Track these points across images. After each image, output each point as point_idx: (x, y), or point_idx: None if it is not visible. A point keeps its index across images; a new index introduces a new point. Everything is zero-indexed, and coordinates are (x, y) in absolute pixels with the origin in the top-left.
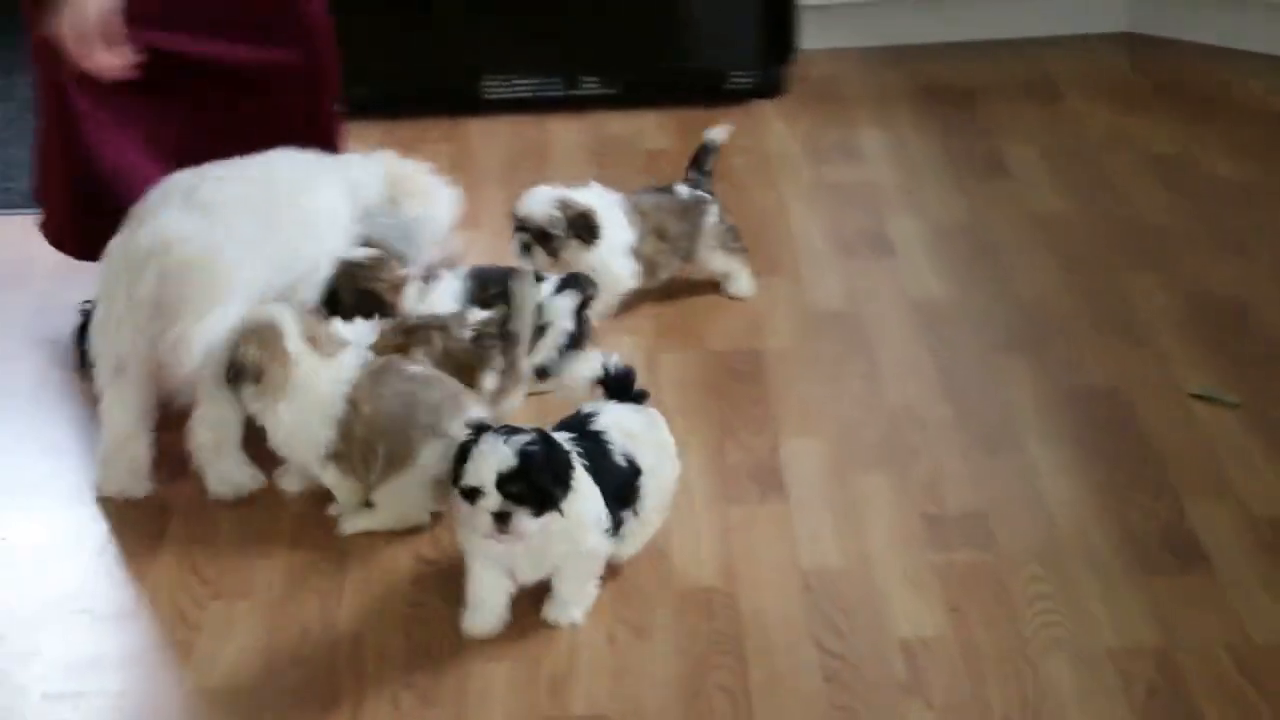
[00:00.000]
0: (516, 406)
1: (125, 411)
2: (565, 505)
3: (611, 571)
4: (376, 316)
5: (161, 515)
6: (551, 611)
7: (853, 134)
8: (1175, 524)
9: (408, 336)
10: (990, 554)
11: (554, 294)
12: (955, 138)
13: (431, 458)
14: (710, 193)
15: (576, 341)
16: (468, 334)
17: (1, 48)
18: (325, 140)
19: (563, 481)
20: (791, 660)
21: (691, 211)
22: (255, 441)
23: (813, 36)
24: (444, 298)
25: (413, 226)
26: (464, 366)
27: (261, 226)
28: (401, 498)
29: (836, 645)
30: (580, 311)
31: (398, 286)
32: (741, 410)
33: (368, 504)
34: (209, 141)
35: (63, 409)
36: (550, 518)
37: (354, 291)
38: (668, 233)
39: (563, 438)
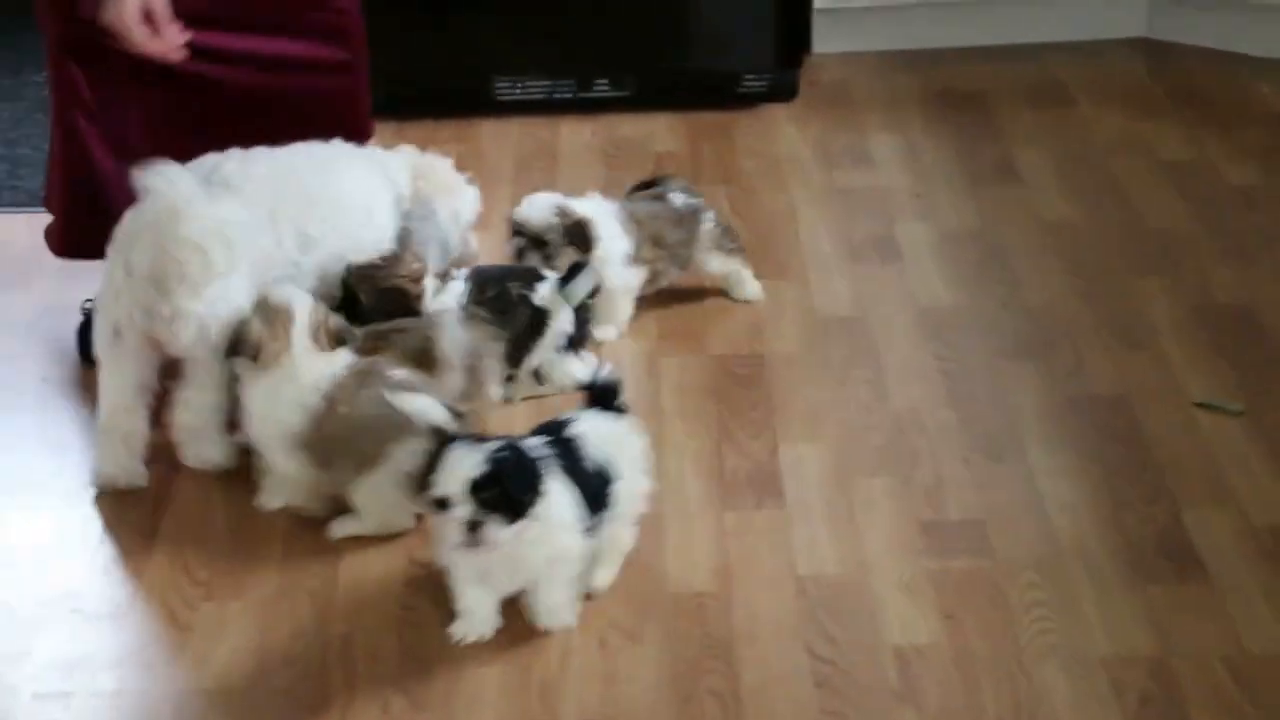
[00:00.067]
0: (493, 401)
1: (122, 381)
2: (538, 510)
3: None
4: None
5: (156, 515)
6: (541, 619)
7: (864, 138)
8: (1174, 532)
9: (375, 340)
10: (987, 561)
11: (557, 290)
12: (966, 143)
13: (404, 456)
14: (699, 196)
15: (575, 344)
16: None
17: (9, 49)
18: (358, 133)
19: (534, 488)
20: (783, 666)
21: (687, 219)
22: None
23: (826, 40)
24: (452, 298)
25: (448, 224)
26: (425, 368)
27: (283, 209)
28: (379, 498)
29: (829, 651)
30: (580, 313)
31: (418, 281)
32: (742, 414)
33: (346, 508)
34: (239, 136)
35: (64, 408)
36: (523, 525)
37: (373, 292)
38: (665, 240)
39: (536, 442)
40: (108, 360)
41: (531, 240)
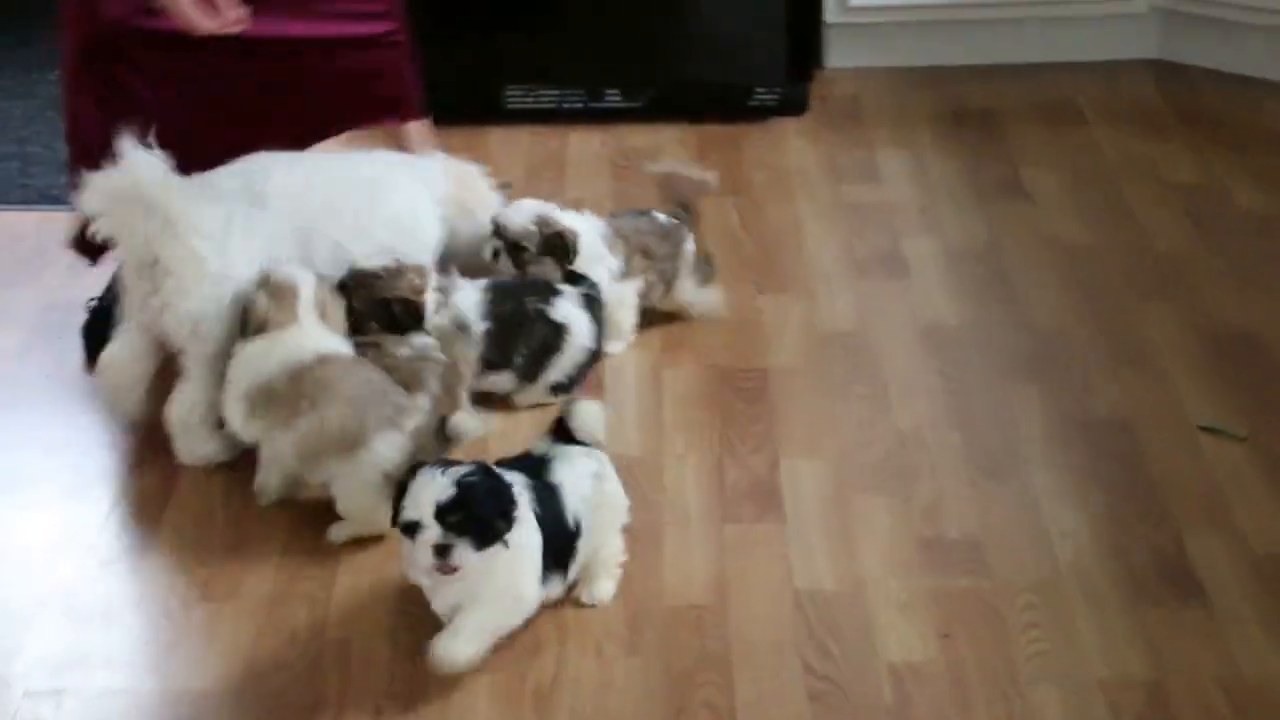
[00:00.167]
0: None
1: (129, 346)
2: (509, 538)
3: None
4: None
5: (155, 515)
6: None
7: (873, 153)
8: (1174, 556)
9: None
10: (986, 580)
11: (575, 307)
12: (976, 161)
13: (384, 448)
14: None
15: (594, 357)
16: (405, 353)
17: (22, 46)
18: (408, 112)
19: (504, 513)
20: (778, 680)
21: (672, 235)
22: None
23: (838, 55)
24: (462, 308)
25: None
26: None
27: (317, 223)
28: (353, 491)
29: (824, 667)
30: (598, 322)
31: (419, 294)
32: (743, 428)
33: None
34: (287, 121)
35: (67, 406)
36: (493, 551)
37: (370, 301)
38: (653, 252)
39: (518, 481)
40: (121, 328)
41: (509, 245)
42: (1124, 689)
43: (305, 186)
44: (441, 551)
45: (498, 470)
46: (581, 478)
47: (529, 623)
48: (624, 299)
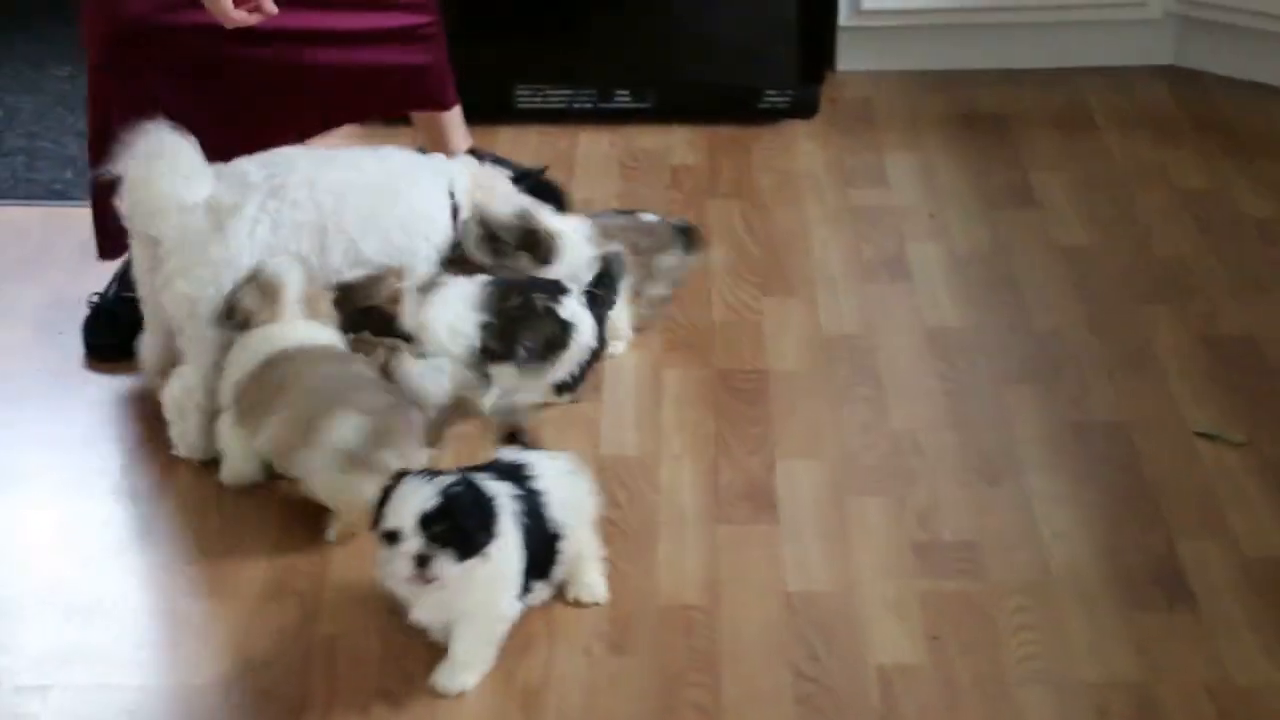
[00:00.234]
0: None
1: (151, 329)
2: (491, 550)
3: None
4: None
5: (150, 511)
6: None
7: (882, 157)
8: (1166, 560)
9: (358, 344)
10: (978, 584)
11: (581, 306)
12: (985, 165)
13: (346, 430)
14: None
15: (597, 355)
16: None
17: (33, 41)
18: (443, 101)
19: (487, 525)
20: (766, 682)
21: (655, 233)
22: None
23: (850, 58)
24: (451, 306)
25: None
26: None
27: (334, 221)
28: (318, 477)
29: (813, 669)
30: (601, 321)
31: (395, 300)
32: (741, 429)
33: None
34: (322, 115)
35: (66, 402)
36: (474, 563)
37: (351, 311)
38: (640, 247)
39: (503, 489)
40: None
41: (487, 233)
42: (1113, 692)
43: (326, 181)
44: (422, 562)
45: (481, 482)
46: (559, 481)
47: (520, 622)
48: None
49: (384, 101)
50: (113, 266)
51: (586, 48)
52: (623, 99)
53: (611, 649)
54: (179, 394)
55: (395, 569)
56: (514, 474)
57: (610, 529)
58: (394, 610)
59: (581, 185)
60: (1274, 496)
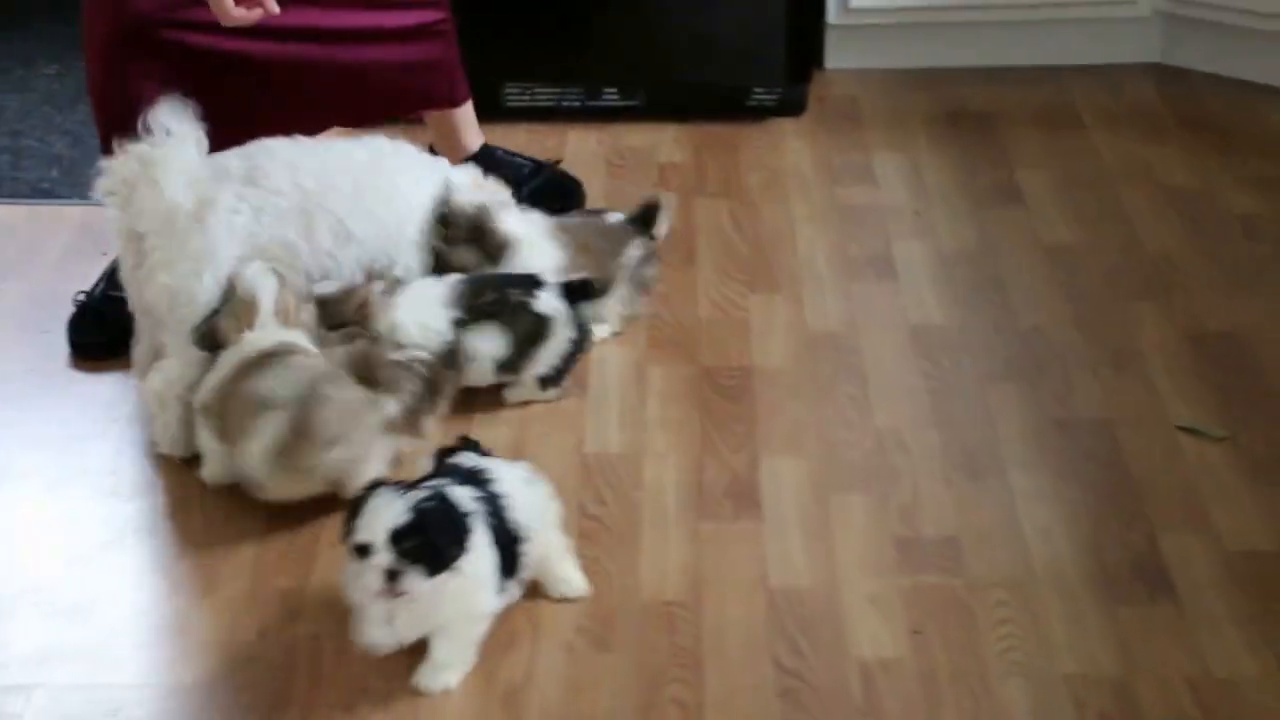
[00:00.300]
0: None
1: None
2: (461, 564)
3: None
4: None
5: (134, 510)
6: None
7: (869, 155)
8: (1147, 554)
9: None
10: (959, 579)
11: (558, 299)
12: (971, 163)
13: (267, 429)
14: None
15: (579, 346)
16: (396, 355)
17: (20, 40)
18: (454, 97)
19: (459, 541)
20: (748, 677)
21: (616, 234)
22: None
23: (839, 57)
24: (422, 303)
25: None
26: (369, 379)
27: (319, 203)
28: (259, 470)
29: (795, 664)
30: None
31: (363, 309)
32: (725, 427)
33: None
34: (334, 113)
35: (50, 401)
36: (444, 578)
37: (330, 325)
38: (591, 247)
39: (465, 493)
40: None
41: (442, 217)
42: (1092, 685)
43: (308, 165)
44: (391, 576)
45: (453, 496)
46: (518, 485)
47: (504, 619)
48: None
49: (394, 100)
50: (100, 265)
51: (575, 46)
52: (611, 97)
53: (594, 645)
54: (160, 387)
55: (364, 583)
56: (474, 478)
57: (594, 526)
58: None
59: None
60: (1255, 490)
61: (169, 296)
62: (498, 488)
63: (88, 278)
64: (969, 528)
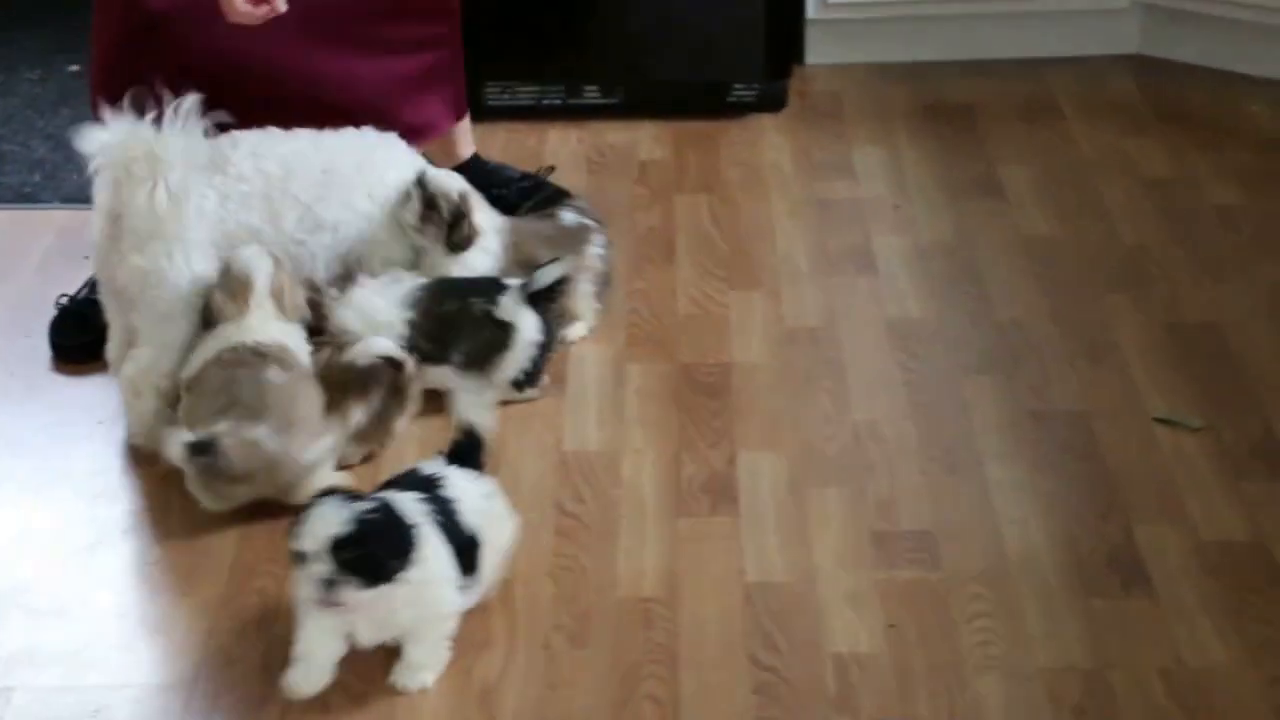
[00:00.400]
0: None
1: (115, 330)
2: (405, 575)
3: (553, 579)
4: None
5: (114, 512)
6: (400, 677)
7: (849, 150)
8: (1122, 546)
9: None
10: (935, 572)
11: (521, 303)
12: (951, 157)
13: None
14: (598, 221)
15: (547, 347)
16: (362, 360)
17: (2, 45)
18: (457, 108)
19: (400, 554)
20: (724, 672)
21: (569, 241)
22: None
23: (818, 51)
24: (377, 301)
25: None
26: (338, 388)
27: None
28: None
29: (771, 659)
30: (547, 319)
31: (316, 308)
32: (703, 422)
33: None
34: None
35: (31, 404)
36: (382, 591)
37: None
38: (537, 260)
39: (411, 497)
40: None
41: (426, 195)
42: (1066, 677)
43: (274, 153)
44: (329, 585)
45: (399, 509)
46: (473, 494)
47: (480, 617)
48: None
49: (397, 109)
50: (83, 269)
51: (555, 45)
52: (592, 95)
53: (571, 643)
54: (133, 374)
55: (301, 589)
56: (425, 484)
57: (572, 524)
58: None
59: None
60: (1231, 481)
61: (140, 277)
62: (448, 492)
63: (70, 281)
64: (945, 521)
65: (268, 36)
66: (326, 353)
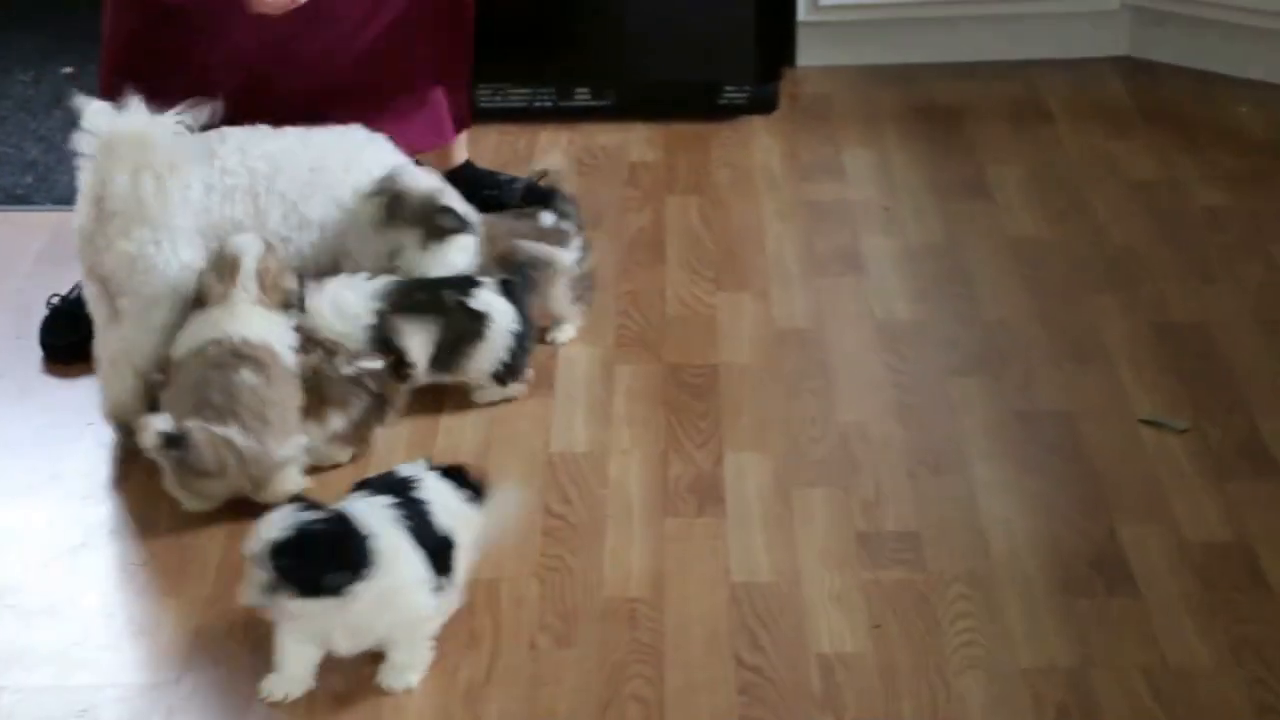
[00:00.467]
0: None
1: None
2: (379, 580)
3: (540, 579)
4: None
5: (102, 513)
6: (386, 678)
7: (839, 152)
8: (1106, 546)
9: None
10: (920, 573)
11: (496, 295)
12: (940, 158)
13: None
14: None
15: (525, 339)
16: (348, 370)
17: None
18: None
19: (344, 567)
20: (709, 672)
21: (550, 240)
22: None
23: (809, 54)
24: (345, 293)
25: None
26: (318, 393)
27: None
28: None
29: (756, 658)
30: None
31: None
32: (690, 423)
33: None
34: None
35: (23, 405)
36: (322, 603)
37: None
38: (513, 260)
39: (381, 503)
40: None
41: (392, 195)
42: (1049, 677)
43: (260, 149)
44: (268, 591)
45: (356, 521)
46: (447, 495)
47: (466, 617)
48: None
49: (407, 114)
50: (75, 270)
51: (546, 47)
52: (583, 97)
53: (556, 643)
54: (114, 353)
55: (244, 591)
56: (399, 487)
57: (558, 524)
58: None
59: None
60: (1215, 482)
61: (128, 263)
62: (420, 494)
63: (61, 283)
64: (930, 521)
65: (284, 36)
66: (316, 356)
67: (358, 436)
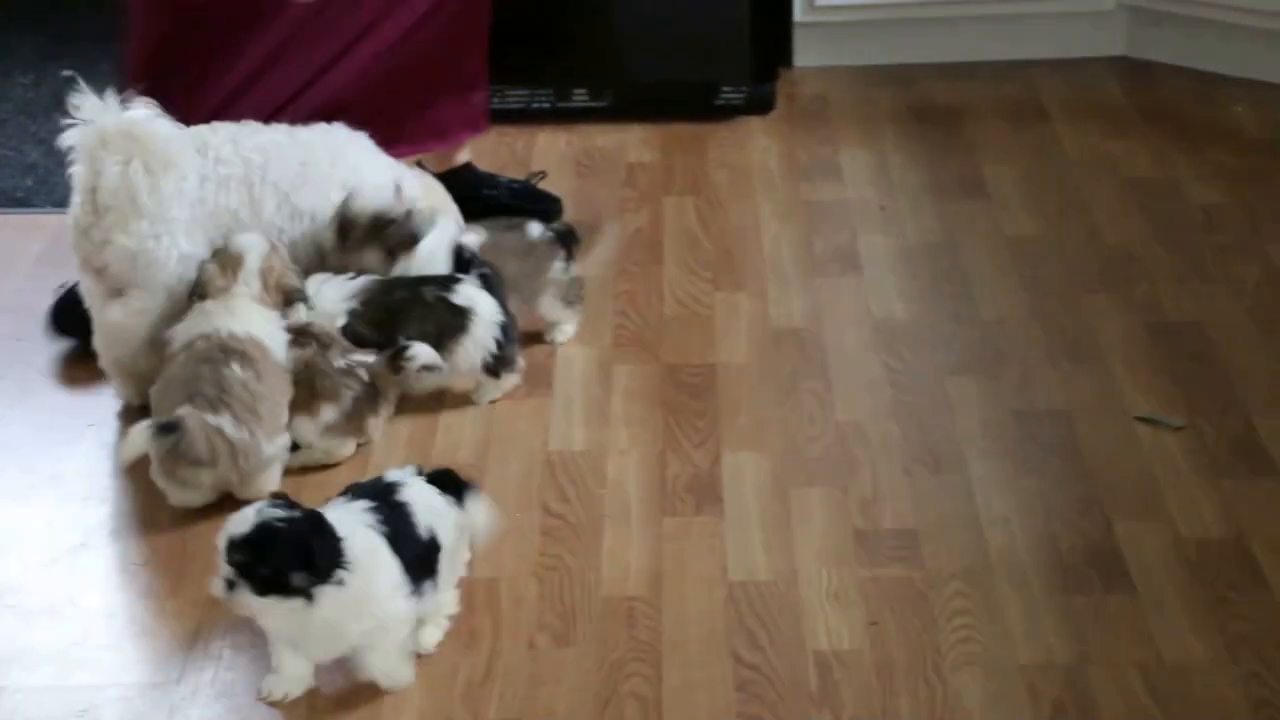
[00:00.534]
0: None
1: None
2: (350, 587)
3: (538, 579)
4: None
5: (106, 514)
6: (379, 682)
7: (836, 152)
8: (1102, 543)
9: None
10: (917, 570)
11: (477, 288)
12: (937, 158)
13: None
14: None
15: (509, 330)
16: (340, 363)
17: None
18: (476, 85)
19: (305, 568)
20: (706, 670)
21: (533, 253)
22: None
23: (805, 54)
24: (321, 288)
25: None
26: (308, 385)
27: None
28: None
29: (753, 656)
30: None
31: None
32: (688, 423)
33: None
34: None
35: (24, 408)
36: (284, 602)
37: None
38: (503, 273)
39: (359, 506)
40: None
41: (341, 222)
42: (1046, 674)
43: (252, 141)
44: (227, 586)
45: (326, 524)
46: (433, 499)
47: (465, 617)
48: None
49: (430, 116)
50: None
51: (544, 48)
52: (580, 98)
53: (555, 641)
54: (122, 317)
55: (212, 583)
56: (382, 491)
57: (557, 524)
58: None
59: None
60: (1210, 479)
61: (130, 258)
62: (402, 497)
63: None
64: (928, 519)
65: (315, 33)
66: (310, 350)
67: (352, 427)
